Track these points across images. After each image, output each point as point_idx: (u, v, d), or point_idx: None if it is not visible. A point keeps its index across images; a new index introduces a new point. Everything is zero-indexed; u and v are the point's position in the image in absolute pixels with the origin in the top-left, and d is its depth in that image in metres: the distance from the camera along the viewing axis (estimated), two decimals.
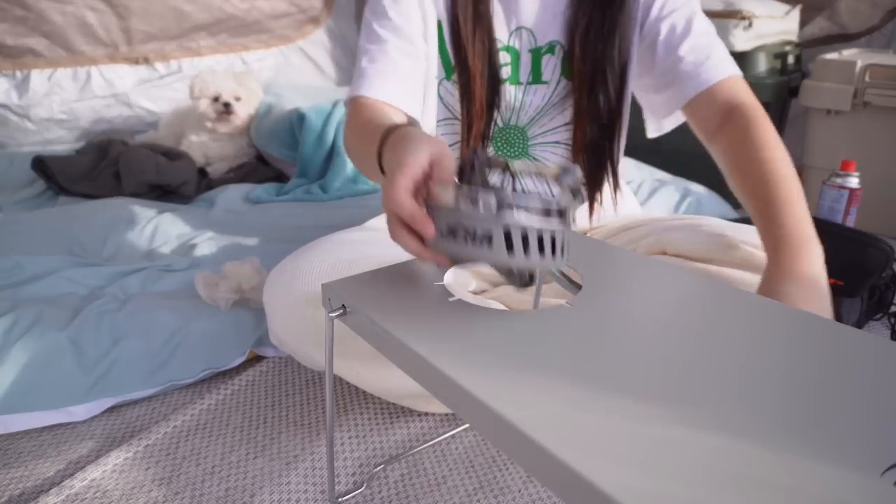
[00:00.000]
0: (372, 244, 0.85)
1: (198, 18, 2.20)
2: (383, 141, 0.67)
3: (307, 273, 0.79)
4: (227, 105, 1.88)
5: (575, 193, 0.56)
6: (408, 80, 0.87)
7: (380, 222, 0.95)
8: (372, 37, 0.88)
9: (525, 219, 0.52)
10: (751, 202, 0.77)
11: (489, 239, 0.52)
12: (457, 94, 0.92)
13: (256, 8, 2.29)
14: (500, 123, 0.96)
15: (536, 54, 0.93)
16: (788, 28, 1.95)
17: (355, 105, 0.84)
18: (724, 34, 1.75)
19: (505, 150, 0.97)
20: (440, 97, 0.95)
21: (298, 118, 1.83)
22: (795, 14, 1.97)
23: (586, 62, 0.90)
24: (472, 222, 0.52)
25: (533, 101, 0.95)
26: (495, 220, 0.51)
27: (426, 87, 0.93)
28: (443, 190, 0.54)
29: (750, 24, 1.74)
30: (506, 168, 0.57)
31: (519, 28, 0.92)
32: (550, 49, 0.94)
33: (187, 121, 1.96)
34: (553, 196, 0.56)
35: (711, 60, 0.90)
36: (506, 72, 0.93)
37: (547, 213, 0.53)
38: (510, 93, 0.94)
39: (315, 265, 0.80)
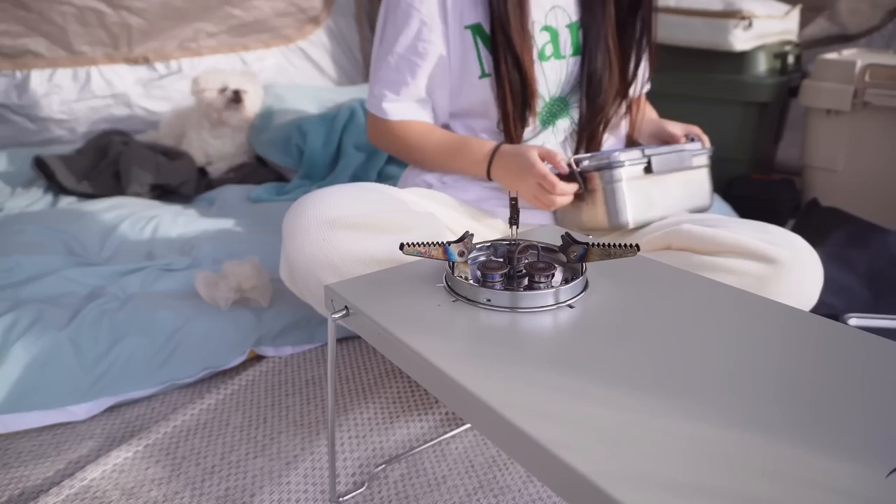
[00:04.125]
0: (393, 195, 0.92)
1: (198, 18, 2.19)
2: (491, 159, 0.99)
3: (330, 198, 0.84)
4: (236, 92, 1.86)
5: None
6: (428, 107, 1.06)
7: (403, 194, 1.01)
8: (389, 60, 1.01)
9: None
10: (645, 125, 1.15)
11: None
12: (490, 90, 1.01)
13: (256, 8, 2.28)
14: (546, 98, 1.04)
15: (573, 29, 1.04)
16: (788, 28, 1.95)
17: (405, 126, 1.05)
18: (724, 34, 1.75)
19: (549, 120, 1.06)
20: (476, 95, 1.03)
21: (300, 133, 1.82)
22: (795, 14, 1.97)
23: (589, 34, 1.03)
24: None
25: (574, 71, 1.05)
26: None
27: (460, 89, 1.04)
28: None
29: (750, 24, 1.74)
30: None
31: (553, 7, 1.02)
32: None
33: (188, 120, 1.95)
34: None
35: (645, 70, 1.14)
36: (549, 49, 1.03)
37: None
38: (555, 68, 1.04)
39: (338, 195, 0.85)
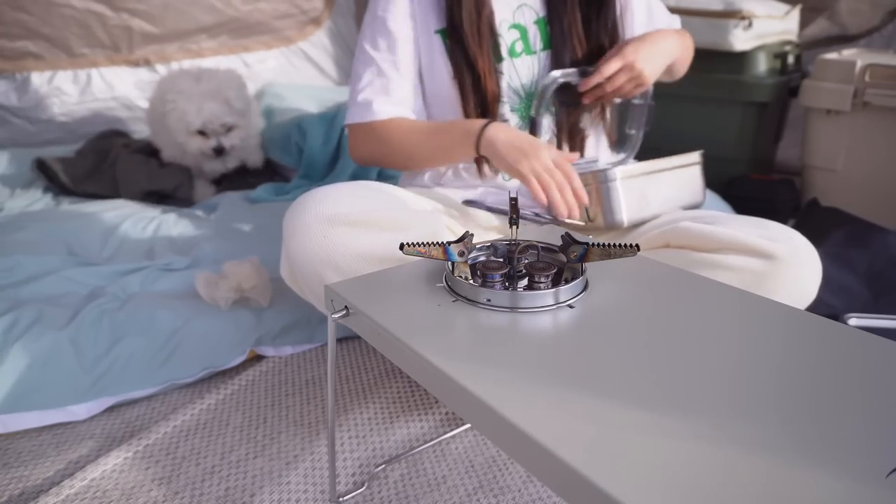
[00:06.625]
0: (393, 194, 0.93)
1: (199, 20, 2.19)
2: (484, 126, 0.94)
3: (330, 195, 0.85)
4: (218, 151, 1.60)
5: None
6: (410, 105, 1.04)
7: (403, 193, 1.01)
8: (373, 69, 1.02)
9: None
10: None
11: None
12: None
13: (259, 10, 2.28)
14: (522, 94, 1.05)
15: (541, 24, 1.05)
16: (788, 28, 1.95)
17: (378, 124, 1.02)
18: (724, 34, 1.75)
19: (526, 117, 1.07)
20: (450, 95, 1.03)
21: (300, 132, 1.82)
22: (795, 14, 1.97)
23: (554, 29, 1.04)
24: None
25: (547, 66, 1.05)
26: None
27: (433, 93, 1.05)
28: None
29: (750, 24, 1.74)
30: None
31: (521, 6, 1.04)
32: None
33: (169, 137, 1.68)
34: None
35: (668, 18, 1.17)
36: (519, 46, 1.04)
37: None
38: (526, 63, 1.04)
39: (338, 193, 0.86)
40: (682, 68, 1.15)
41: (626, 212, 0.97)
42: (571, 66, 1.03)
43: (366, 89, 1.03)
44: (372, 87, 1.03)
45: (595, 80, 0.99)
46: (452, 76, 1.02)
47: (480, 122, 0.96)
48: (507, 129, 0.95)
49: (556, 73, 1.01)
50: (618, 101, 1.13)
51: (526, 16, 1.04)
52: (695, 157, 1.06)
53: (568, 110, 1.06)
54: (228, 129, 1.62)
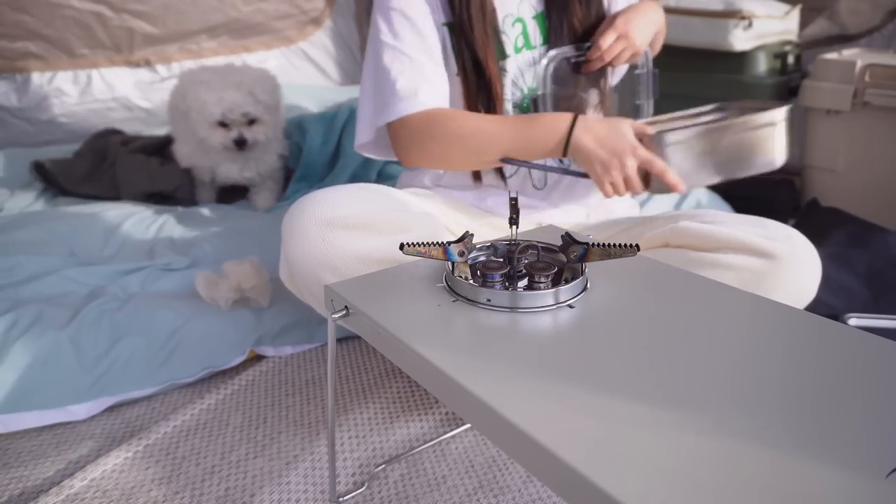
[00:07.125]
0: (392, 196, 0.93)
1: (200, 21, 2.19)
2: (571, 126, 0.93)
3: (329, 198, 0.85)
4: (240, 143, 1.46)
5: None
6: (444, 90, 1.00)
7: (402, 195, 1.00)
8: (403, 58, 0.97)
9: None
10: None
11: None
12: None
13: (259, 10, 2.28)
14: (525, 90, 1.05)
15: (540, 19, 1.05)
16: (788, 28, 1.95)
17: (435, 115, 0.96)
18: (724, 34, 1.75)
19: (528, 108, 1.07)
20: (455, 91, 1.03)
21: (300, 131, 1.81)
22: (795, 14, 1.97)
23: (553, 23, 1.05)
24: None
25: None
26: None
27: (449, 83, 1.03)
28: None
29: (750, 24, 1.74)
30: None
31: (522, 0, 1.03)
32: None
33: (189, 134, 1.57)
34: None
35: None
36: (520, 41, 1.04)
37: None
38: (527, 59, 1.05)
39: (337, 195, 0.86)
40: (660, 43, 1.18)
41: (679, 176, 0.94)
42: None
43: (400, 78, 0.96)
44: (406, 75, 0.96)
45: (595, 54, 1.02)
46: (456, 72, 1.01)
47: (566, 120, 0.93)
48: (595, 132, 0.93)
49: (554, 51, 1.03)
50: (618, 76, 1.14)
51: (525, 11, 1.04)
52: (774, 115, 0.97)
53: (566, 90, 1.07)
54: (251, 121, 1.48)
